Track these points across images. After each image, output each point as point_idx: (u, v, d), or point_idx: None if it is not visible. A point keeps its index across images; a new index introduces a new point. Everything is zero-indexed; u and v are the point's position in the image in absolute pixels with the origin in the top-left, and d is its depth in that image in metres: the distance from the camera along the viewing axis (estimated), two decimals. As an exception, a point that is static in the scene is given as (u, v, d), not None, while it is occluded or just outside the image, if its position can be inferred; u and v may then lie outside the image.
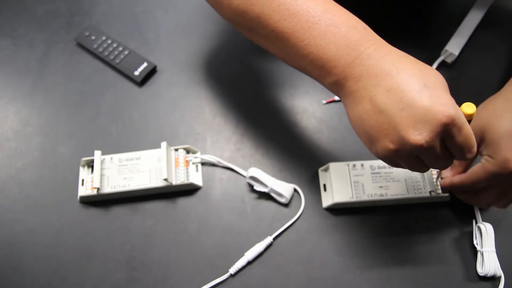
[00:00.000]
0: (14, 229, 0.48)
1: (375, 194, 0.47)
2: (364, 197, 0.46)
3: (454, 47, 0.56)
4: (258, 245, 0.46)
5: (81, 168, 0.50)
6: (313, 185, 0.50)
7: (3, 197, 0.50)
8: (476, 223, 0.46)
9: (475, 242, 0.45)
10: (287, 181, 0.50)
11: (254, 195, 0.49)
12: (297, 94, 0.55)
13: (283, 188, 0.48)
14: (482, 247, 0.45)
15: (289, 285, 0.45)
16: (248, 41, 0.59)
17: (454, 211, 0.48)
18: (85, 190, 0.48)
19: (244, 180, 0.50)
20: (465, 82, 0.56)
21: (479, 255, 0.45)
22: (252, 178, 0.48)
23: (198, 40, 0.60)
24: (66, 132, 0.54)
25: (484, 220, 0.46)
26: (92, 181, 0.48)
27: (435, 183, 0.47)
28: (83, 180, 0.49)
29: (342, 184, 0.47)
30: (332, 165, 0.48)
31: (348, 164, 0.48)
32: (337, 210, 0.48)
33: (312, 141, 0.53)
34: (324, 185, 0.49)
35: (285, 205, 0.49)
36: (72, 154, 0.52)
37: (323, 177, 0.50)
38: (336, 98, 0.53)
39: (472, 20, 0.58)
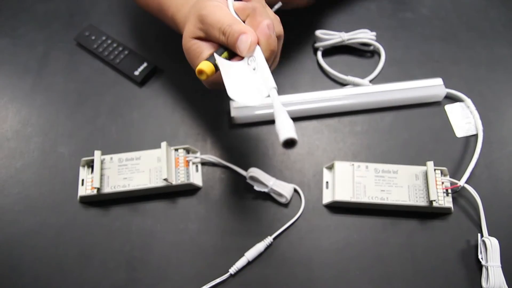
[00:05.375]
0: (14, 229, 0.48)
1: (376, 197, 0.47)
2: (365, 199, 0.47)
3: None
4: (258, 245, 0.46)
5: (81, 168, 0.50)
6: (313, 185, 0.50)
7: (3, 197, 0.50)
8: (482, 236, 0.46)
9: (480, 256, 0.45)
10: (287, 181, 0.50)
11: (254, 195, 0.49)
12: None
13: (283, 188, 0.48)
14: (487, 261, 0.44)
15: (289, 285, 0.45)
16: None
17: (458, 223, 0.48)
18: (85, 190, 0.48)
19: (244, 180, 0.50)
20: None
21: (484, 269, 0.44)
22: (252, 178, 0.48)
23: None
24: (66, 132, 0.54)
25: (490, 234, 0.46)
26: (92, 181, 0.48)
27: (438, 194, 0.46)
28: (83, 180, 0.49)
29: (344, 183, 0.48)
30: (337, 164, 0.49)
31: (353, 164, 0.48)
32: (337, 210, 0.48)
33: (312, 141, 0.53)
34: (327, 183, 0.50)
35: (285, 205, 0.49)
36: (72, 154, 0.52)
37: (326, 175, 0.50)
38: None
39: None
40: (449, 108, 0.54)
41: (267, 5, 0.38)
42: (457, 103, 0.55)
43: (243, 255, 0.45)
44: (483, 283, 0.44)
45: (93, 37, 0.59)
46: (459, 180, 0.47)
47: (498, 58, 0.58)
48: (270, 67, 0.36)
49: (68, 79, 0.57)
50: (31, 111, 0.55)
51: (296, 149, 0.52)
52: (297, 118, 0.54)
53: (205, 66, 0.35)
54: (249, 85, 0.35)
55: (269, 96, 0.34)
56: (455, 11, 0.62)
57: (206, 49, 0.37)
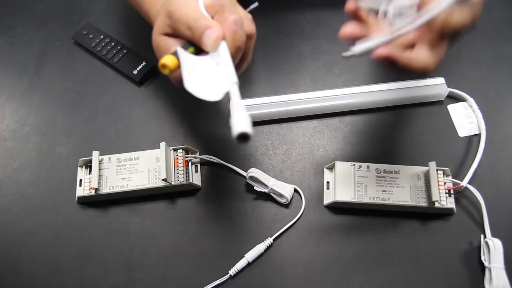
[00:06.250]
0: (11, 230, 0.48)
1: (377, 197, 0.46)
2: (366, 199, 0.46)
3: None
4: (258, 246, 0.45)
5: (79, 168, 0.49)
6: (314, 186, 0.49)
7: (0, 197, 0.50)
8: (485, 237, 0.45)
9: (482, 258, 0.44)
10: (287, 181, 0.49)
11: (254, 196, 0.49)
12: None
13: (283, 188, 0.47)
14: (490, 263, 0.44)
15: (290, 286, 0.45)
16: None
17: (461, 224, 0.47)
18: (83, 190, 0.48)
19: (244, 180, 0.49)
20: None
21: (486, 271, 0.44)
22: (252, 178, 0.48)
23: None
24: (64, 132, 0.53)
25: (493, 235, 0.45)
26: (90, 182, 0.47)
27: (440, 194, 0.45)
28: (81, 180, 0.49)
29: (345, 183, 0.47)
30: (338, 164, 0.48)
31: (354, 164, 0.48)
32: (338, 210, 0.48)
33: (313, 141, 0.52)
34: (328, 183, 0.49)
35: (285, 205, 0.48)
36: (70, 154, 0.52)
37: (327, 175, 0.50)
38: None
39: None
40: (452, 108, 0.54)
41: (238, 4, 0.38)
42: (460, 103, 0.54)
43: (243, 256, 0.45)
44: (486, 285, 0.44)
45: (91, 36, 0.58)
46: (461, 180, 0.47)
47: (501, 57, 0.57)
48: (242, 65, 0.37)
49: (66, 78, 0.57)
50: (28, 111, 0.55)
51: (296, 149, 0.52)
52: (297, 118, 0.53)
53: (168, 60, 0.33)
54: (210, 80, 0.34)
55: (228, 92, 0.33)
56: (457, 9, 0.62)
57: (174, 45, 0.36)
